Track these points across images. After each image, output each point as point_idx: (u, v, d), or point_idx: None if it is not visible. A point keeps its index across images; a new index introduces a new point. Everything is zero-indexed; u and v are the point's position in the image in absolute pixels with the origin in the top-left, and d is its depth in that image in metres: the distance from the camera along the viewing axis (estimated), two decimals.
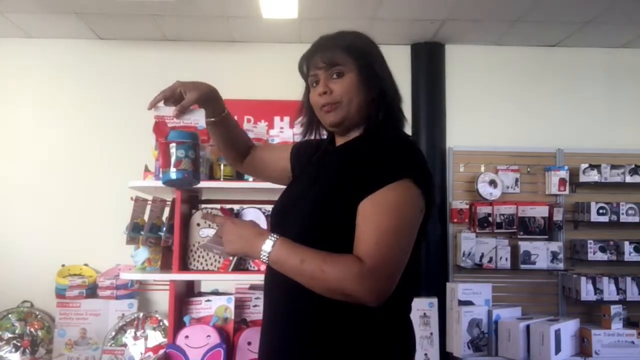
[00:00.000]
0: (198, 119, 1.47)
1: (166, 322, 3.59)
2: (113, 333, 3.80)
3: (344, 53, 1.36)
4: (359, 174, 1.23)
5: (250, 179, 2.31)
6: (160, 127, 1.47)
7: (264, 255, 1.24)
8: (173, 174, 1.46)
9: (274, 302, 1.36)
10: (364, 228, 1.18)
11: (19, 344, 3.84)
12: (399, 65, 4.36)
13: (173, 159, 1.45)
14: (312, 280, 1.19)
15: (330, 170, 1.35)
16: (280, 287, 1.31)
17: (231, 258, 1.39)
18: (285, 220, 1.36)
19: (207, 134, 1.60)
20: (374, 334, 1.25)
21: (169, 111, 1.45)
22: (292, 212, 1.35)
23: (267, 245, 1.23)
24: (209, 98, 1.52)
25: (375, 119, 1.36)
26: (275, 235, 1.25)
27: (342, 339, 1.24)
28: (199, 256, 2.33)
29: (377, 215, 1.18)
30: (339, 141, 1.44)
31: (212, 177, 2.41)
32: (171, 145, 1.45)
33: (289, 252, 1.22)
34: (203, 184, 2.29)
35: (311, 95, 1.41)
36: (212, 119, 1.53)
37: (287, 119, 3.14)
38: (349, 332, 1.24)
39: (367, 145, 1.30)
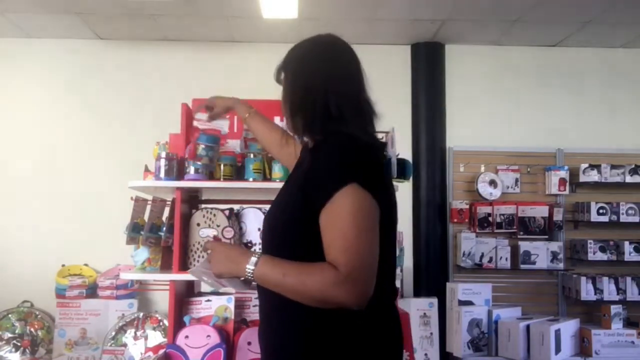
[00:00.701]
0: (223, 125, 2.20)
1: (166, 322, 3.59)
2: (113, 333, 3.80)
3: (282, 67, 1.51)
4: (308, 185, 1.29)
5: (251, 178, 2.31)
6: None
7: (249, 273, 1.30)
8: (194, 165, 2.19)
9: (261, 306, 1.44)
10: (328, 238, 1.24)
11: (19, 344, 3.84)
12: (399, 65, 4.36)
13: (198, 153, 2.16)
14: (295, 293, 1.26)
15: (293, 181, 1.43)
16: (264, 292, 1.37)
17: (221, 286, 1.47)
18: (267, 225, 1.44)
19: (224, 138, 2.29)
20: (358, 332, 1.29)
21: (204, 117, 2.14)
22: (270, 216, 1.45)
23: (251, 262, 1.30)
24: (232, 107, 2.07)
25: (311, 124, 1.39)
26: (258, 253, 1.33)
27: (327, 340, 1.29)
28: (199, 256, 2.33)
29: (335, 224, 1.23)
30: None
31: (212, 177, 2.41)
32: (198, 144, 2.17)
33: (271, 268, 1.29)
34: (203, 184, 2.29)
35: None
36: (244, 116, 2.01)
37: None
38: (334, 333, 1.28)
39: (314, 152, 1.35)
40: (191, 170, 2.23)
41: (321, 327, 1.28)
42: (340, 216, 1.23)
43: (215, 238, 1.56)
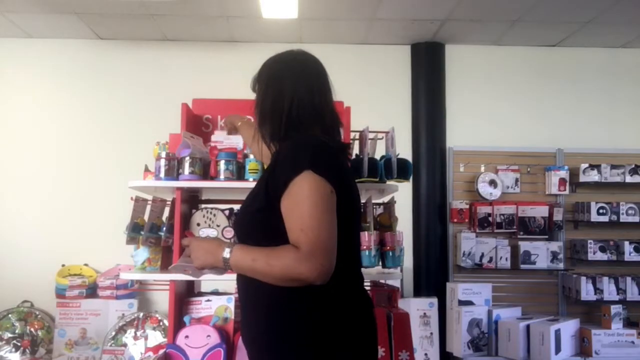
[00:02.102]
0: (238, 142, 2.46)
1: (166, 322, 3.59)
2: (113, 333, 3.80)
3: (256, 78, 1.63)
4: (270, 177, 1.44)
5: (251, 178, 2.31)
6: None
7: (226, 262, 1.44)
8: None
9: (239, 292, 1.56)
10: (289, 221, 1.38)
11: (19, 344, 3.84)
12: (399, 65, 4.36)
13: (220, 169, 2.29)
14: (264, 275, 1.39)
15: (260, 178, 1.61)
16: (240, 279, 1.53)
17: (203, 274, 1.57)
18: (239, 219, 1.62)
19: (240, 153, 2.36)
20: (326, 312, 1.41)
21: (221, 137, 2.49)
22: (242, 209, 1.58)
23: (226, 252, 1.44)
24: (236, 123, 2.25)
25: (277, 126, 1.52)
26: (232, 243, 1.47)
27: (294, 319, 1.41)
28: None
29: (293, 208, 1.37)
30: None
31: (211, 177, 2.41)
32: (218, 161, 2.28)
33: (243, 255, 1.42)
34: (203, 184, 2.29)
35: None
36: (236, 124, 2.22)
37: None
38: (302, 312, 1.40)
39: (275, 154, 1.52)
40: (186, 170, 2.25)
41: (289, 307, 1.40)
42: (297, 200, 1.36)
43: (188, 234, 1.62)
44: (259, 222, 1.46)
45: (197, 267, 1.52)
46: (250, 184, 2.30)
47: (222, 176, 2.29)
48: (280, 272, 1.35)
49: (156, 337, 3.76)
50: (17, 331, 3.88)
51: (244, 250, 1.43)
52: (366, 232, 2.15)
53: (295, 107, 1.50)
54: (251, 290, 1.47)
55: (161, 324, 3.82)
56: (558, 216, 4.14)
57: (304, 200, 1.35)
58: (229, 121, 2.29)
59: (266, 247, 1.40)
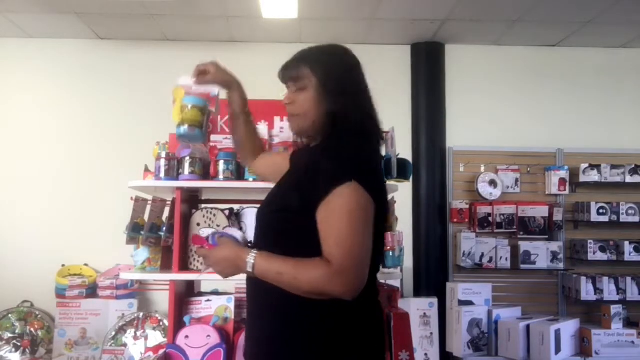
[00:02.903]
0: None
1: (166, 322, 3.59)
2: (113, 333, 3.80)
3: (308, 69, 1.47)
4: (310, 182, 1.35)
5: (251, 179, 2.31)
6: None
7: (250, 274, 1.39)
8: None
9: (250, 297, 1.50)
10: (324, 232, 1.31)
11: (19, 344, 3.84)
12: (399, 65, 4.36)
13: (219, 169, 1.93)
14: (290, 287, 1.33)
15: (292, 175, 1.50)
16: (253, 284, 1.45)
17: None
18: (262, 221, 1.50)
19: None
20: (346, 323, 1.37)
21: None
22: (266, 212, 1.49)
23: (249, 265, 1.37)
24: (233, 85, 1.74)
25: (329, 130, 1.45)
26: (253, 253, 1.37)
27: (307, 325, 1.36)
28: (199, 256, 2.33)
29: (331, 219, 1.30)
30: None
31: (211, 177, 2.41)
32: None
33: (267, 267, 1.36)
34: (203, 184, 2.28)
35: None
36: (235, 111, 1.77)
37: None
38: (321, 322, 1.36)
39: (319, 153, 1.42)
40: (186, 170, 2.23)
41: (301, 313, 1.36)
42: (337, 211, 1.29)
43: (196, 238, 1.56)
44: (288, 225, 1.40)
45: (224, 278, 1.48)
46: (251, 183, 2.31)
47: (221, 176, 2.30)
48: (308, 287, 1.30)
49: (156, 337, 3.76)
50: (17, 331, 3.88)
51: (269, 261, 1.36)
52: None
53: (355, 103, 1.45)
54: (261, 293, 1.42)
55: (161, 324, 3.82)
56: (558, 216, 4.13)
57: (344, 213, 1.29)
58: (222, 80, 1.74)
59: (292, 259, 1.33)
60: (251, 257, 1.37)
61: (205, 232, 2.32)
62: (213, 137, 2.55)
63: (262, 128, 2.51)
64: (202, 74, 1.71)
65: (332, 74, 1.47)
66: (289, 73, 1.50)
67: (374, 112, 1.51)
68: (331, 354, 1.35)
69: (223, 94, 1.81)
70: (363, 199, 1.31)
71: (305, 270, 1.30)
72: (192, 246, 2.33)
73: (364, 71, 1.53)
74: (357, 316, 1.38)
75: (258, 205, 2.42)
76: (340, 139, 1.41)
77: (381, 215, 1.40)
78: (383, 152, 2.17)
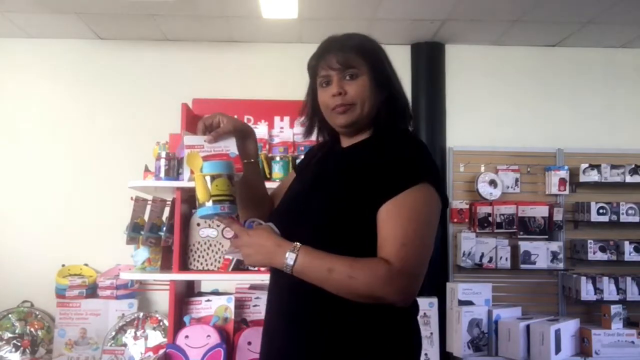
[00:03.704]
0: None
1: (166, 322, 3.59)
2: (113, 333, 3.80)
3: (357, 55, 1.37)
4: (376, 176, 1.25)
5: None
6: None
7: (288, 268, 1.23)
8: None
9: (280, 301, 1.35)
10: (389, 230, 1.21)
11: (19, 344, 3.84)
12: (399, 65, 4.33)
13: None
14: (340, 287, 1.21)
15: (341, 171, 1.35)
16: (287, 286, 1.30)
17: (231, 258, 1.43)
18: (294, 221, 1.33)
19: (239, 161, 1.47)
20: (383, 330, 1.26)
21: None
22: (300, 211, 1.35)
23: (290, 258, 1.23)
24: (245, 134, 1.47)
25: (384, 120, 1.38)
26: (296, 246, 1.24)
27: (352, 337, 1.24)
28: (199, 256, 2.33)
29: (401, 218, 1.21)
30: (346, 142, 1.44)
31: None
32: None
33: (314, 263, 1.22)
34: None
35: (321, 96, 1.40)
36: (245, 161, 1.47)
37: (287, 118, 3.14)
38: (359, 329, 1.25)
39: (382, 146, 1.32)
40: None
41: (347, 323, 1.24)
42: (406, 211, 1.21)
43: (232, 220, 1.33)
44: (342, 219, 1.26)
45: (248, 264, 1.34)
46: None
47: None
48: (364, 288, 1.18)
49: (156, 337, 3.76)
50: (17, 331, 3.88)
51: (316, 257, 1.22)
52: None
53: (396, 87, 1.40)
54: (313, 297, 1.25)
55: (161, 324, 3.82)
56: (558, 216, 4.13)
57: (415, 213, 1.21)
58: (235, 127, 1.42)
59: (343, 256, 1.21)
60: (294, 249, 1.23)
61: (205, 232, 2.32)
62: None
63: (262, 128, 2.51)
64: (216, 130, 1.40)
65: (380, 61, 1.40)
66: (337, 60, 1.35)
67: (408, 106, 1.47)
68: None
69: None
70: (434, 203, 1.25)
71: (361, 269, 1.19)
72: (192, 246, 2.33)
73: None
74: (405, 325, 1.30)
75: None
76: (403, 130, 1.37)
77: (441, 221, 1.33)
78: None
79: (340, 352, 1.24)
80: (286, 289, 1.32)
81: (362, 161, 1.31)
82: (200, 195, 1.34)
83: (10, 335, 3.86)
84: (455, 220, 4.15)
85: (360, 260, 1.20)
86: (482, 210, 4.12)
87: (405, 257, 1.18)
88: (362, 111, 1.36)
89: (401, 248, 1.18)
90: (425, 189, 1.23)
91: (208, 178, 1.33)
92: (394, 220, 1.21)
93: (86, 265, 4.08)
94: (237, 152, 1.42)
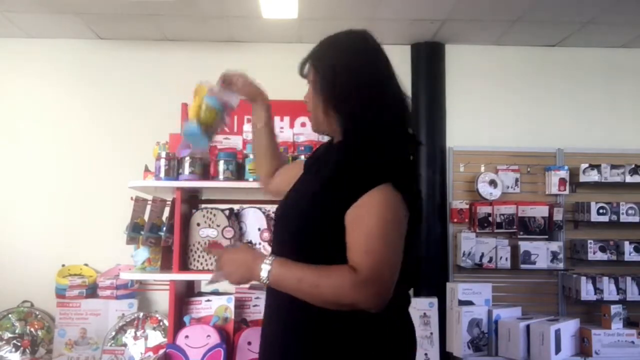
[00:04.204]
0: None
1: (166, 322, 3.59)
2: (113, 333, 3.80)
3: (310, 64, 1.42)
4: (337, 182, 1.25)
5: (251, 178, 2.31)
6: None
7: (264, 280, 1.27)
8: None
9: (271, 302, 1.40)
10: (353, 238, 1.21)
11: (19, 344, 3.84)
12: (399, 65, 4.33)
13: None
14: (310, 297, 1.23)
15: (315, 176, 1.40)
16: (274, 292, 1.33)
17: (215, 283, 1.49)
18: (281, 227, 1.41)
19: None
20: (372, 331, 1.27)
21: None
22: (285, 217, 1.40)
23: (264, 270, 1.26)
24: (258, 98, 1.68)
25: (344, 125, 1.34)
26: (269, 258, 1.27)
27: (340, 339, 1.26)
28: (199, 256, 2.33)
29: (362, 224, 1.20)
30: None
31: (211, 177, 2.41)
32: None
33: (285, 274, 1.25)
34: (203, 184, 2.29)
35: None
36: (257, 125, 1.69)
37: (287, 118, 3.14)
38: (347, 331, 1.26)
39: (343, 151, 1.32)
40: (186, 170, 2.22)
41: (332, 329, 1.26)
42: (368, 216, 1.20)
43: (212, 243, 1.55)
44: (312, 232, 1.29)
45: (232, 283, 1.39)
46: (251, 183, 2.31)
47: (221, 176, 2.30)
48: (331, 296, 1.20)
49: (156, 337, 3.76)
50: (17, 331, 3.87)
51: (287, 267, 1.25)
52: None
53: (375, 93, 1.33)
54: (298, 310, 1.28)
55: (161, 324, 3.81)
56: (558, 216, 4.13)
57: (375, 218, 1.19)
58: (248, 92, 1.69)
59: (313, 265, 1.23)
60: (267, 262, 1.26)
61: (205, 232, 2.32)
62: None
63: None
64: (229, 84, 1.66)
65: (330, 67, 1.36)
66: (300, 71, 1.44)
67: (395, 106, 1.39)
68: None
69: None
70: (397, 205, 1.22)
71: (329, 278, 1.20)
72: (192, 246, 2.33)
73: (381, 58, 1.41)
74: (382, 330, 1.28)
75: (258, 206, 2.44)
76: (366, 136, 1.30)
77: (415, 221, 1.30)
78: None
79: (309, 355, 1.28)
80: (273, 294, 1.36)
81: (328, 167, 1.33)
82: (191, 113, 1.66)
83: (10, 335, 3.86)
84: (455, 220, 4.15)
85: (328, 269, 1.21)
86: (482, 210, 4.12)
87: (370, 264, 1.18)
88: (315, 117, 1.41)
89: (365, 255, 1.18)
90: (384, 190, 1.21)
91: (204, 105, 1.63)
92: (357, 226, 1.21)
93: (86, 265, 4.07)
94: (234, 107, 1.70)
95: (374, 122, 1.32)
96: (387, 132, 1.32)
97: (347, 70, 1.35)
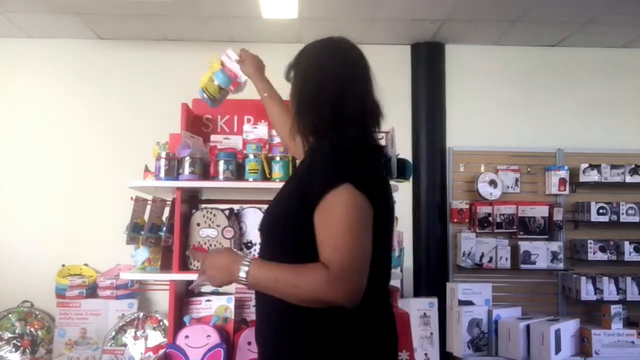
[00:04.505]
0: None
1: (166, 322, 3.59)
2: (113, 333, 3.80)
3: (292, 69, 1.51)
4: (305, 184, 1.32)
5: (251, 178, 2.31)
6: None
7: (243, 282, 1.33)
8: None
9: (257, 306, 1.47)
10: (322, 236, 1.27)
11: (19, 344, 3.84)
12: (399, 65, 4.36)
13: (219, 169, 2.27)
14: (287, 296, 1.29)
15: (293, 179, 1.47)
16: (258, 293, 1.41)
17: (200, 286, 1.54)
18: (266, 229, 1.47)
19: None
20: (350, 331, 1.32)
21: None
22: (268, 219, 1.48)
23: (242, 271, 1.32)
24: (254, 77, 2.13)
25: (312, 127, 1.42)
26: (247, 260, 1.33)
27: (319, 339, 1.31)
28: (194, 259, 2.32)
29: (328, 223, 1.26)
30: None
31: (211, 177, 2.41)
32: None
33: (263, 274, 1.31)
34: (203, 184, 2.28)
35: None
36: (262, 95, 2.06)
37: None
38: (326, 331, 1.31)
39: (309, 155, 1.39)
40: (186, 170, 2.23)
41: (314, 326, 1.31)
42: (333, 216, 1.25)
43: (196, 247, 1.62)
44: (288, 226, 1.35)
45: (214, 286, 1.44)
46: (251, 183, 2.31)
47: (221, 176, 2.29)
48: (307, 294, 1.25)
49: (156, 337, 3.76)
50: (17, 331, 3.88)
51: (264, 269, 1.32)
52: None
53: (339, 98, 1.39)
54: (265, 300, 1.37)
55: (161, 324, 3.82)
56: (558, 216, 4.14)
57: (340, 216, 1.24)
58: (252, 66, 2.14)
59: (288, 265, 1.29)
60: (245, 264, 1.32)
61: (205, 232, 2.31)
62: (213, 137, 2.56)
63: (262, 128, 2.51)
64: (242, 61, 2.15)
65: (297, 71, 1.48)
66: (286, 75, 1.54)
67: (371, 97, 1.45)
68: None
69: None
70: (359, 202, 1.26)
71: (303, 276, 1.25)
72: (192, 246, 2.33)
73: (360, 58, 1.48)
74: (359, 325, 1.32)
75: (258, 205, 2.44)
76: (336, 136, 1.37)
77: (383, 216, 1.36)
78: (389, 150, 2.16)
79: (294, 352, 1.32)
80: (260, 298, 1.42)
81: (303, 167, 1.40)
82: (201, 82, 2.33)
83: (10, 335, 3.86)
84: (455, 220, 4.15)
85: (303, 268, 1.27)
86: (482, 210, 4.12)
87: (340, 260, 1.22)
88: (294, 116, 1.48)
89: (334, 252, 1.23)
90: (345, 190, 1.25)
91: (212, 80, 2.28)
92: (324, 225, 1.26)
93: (86, 265, 4.08)
94: (242, 81, 2.24)
95: (338, 129, 1.38)
96: (351, 138, 1.37)
97: (313, 75, 1.44)
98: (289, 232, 1.35)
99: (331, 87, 1.40)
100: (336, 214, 1.25)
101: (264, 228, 1.46)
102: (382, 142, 1.90)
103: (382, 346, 1.38)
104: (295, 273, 1.27)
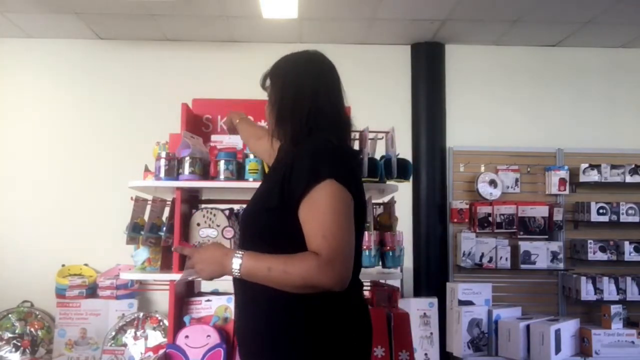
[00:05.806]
0: (238, 142, 2.43)
1: (166, 322, 3.59)
2: (113, 333, 3.80)
3: (268, 79, 1.63)
4: (288, 180, 1.40)
5: (251, 178, 2.31)
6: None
7: (236, 273, 1.40)
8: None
9: (241, 297, 1.53)
10: (309, 228, 1.36)
11: (19, 344, 3.84)
12: (399, 65, 4.36)
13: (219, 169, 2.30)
14: (280, 283, 1.36)
15: (276, 172, 1.53)
16: (239, 283, 1.49)
17: (187, 279, 1.55)
18: (245, 224, 1.56)
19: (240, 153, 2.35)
20: (326, 314, 1.41)
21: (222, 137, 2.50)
22: (249, 215, 1.55)
23: (235, 263, 1.39)
24: (234, 120, 2.31)
25: (291, 129, 1.51)
26: (240, 252, 1.41)
27: (297, 325, 1.40)
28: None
29: (315, 215, 1.35)
30: None
31: (211, 177, 2.41)
32: (218, 161, 2.29)
33: (255, 265, 1.38)
34: (203, 184, 2.29)
35: None
36: (236, 121, 2.26)
37: None
38: (304, 318, 1.40)
39: (291, 156, 1.46)
40: (186, 170, 2.24)
41: (291, 313, 1.39)
42: (319, 208, 1.35)
43: (181, 242, 1.65)
44: (269, 222, 1.44)
45: (204, 279, 1.48)
46: (251, 183, 2.31)
47: (222, 176, 2.29)
48: (300, 280, 1.33)
49: (156, 337, 3.76)
50: (17, 331, 3.88)
51: (257, 259, 1.39)
52: (366, 232, 2.14)
53: (315, 107, 1.49)
54: (249, 291, 1.45)
55: (161, 324, 3.82)
56: (558, 216, 4.14)
57: (326, 208, 1.34)
58: (229, 119, 2.33)
59: (280, 255, 1.37)
60: (238, 256, 1.39)
61: (205, 232, 2.32)
62: (213, 137, 2.56)
63: (262, 127, 2.51)
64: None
65: (273, 80, 1.59)
66: (261, 84, 1.66)
67: (342, 109, 1.58)
68: (314, 352, 1.39)
69: None
70: (342, 195, 1.37)
71: (295, 264, 1.33)
72: (192, 246, 2.33)
73: (333, 72, 1.59)
74: (344, 309, 1.43)
75: None
76: (310, 143, 1.46)
77: (358, 212, 1.44)
78: (389, 150, 2.19)
79: (278, 339, 1.40)
80: (242, 289, 1.50)
81: (282, 166, 1.47)
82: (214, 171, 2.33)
83: (10, 335, 3.86)
84: (455, 220, 4.15)
85: (294, 257, 1.35)
86: (482, 210, 4.12)
87: (329, 247, 1.31)
88: (271, 125, 1.59)
89: (323, 240, 1.32)
90: (329, 185, 1.36)
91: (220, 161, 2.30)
92: (311, 217, 1.36)
93: (86, 265, 4.08)
94: (241, 147, 2.39)
95: (314, 136, 1.49)
96: (328, 142, 1.47)
97: (292, 86, 1.54)
98: (267, 229, 1.44)
99: (308, 98, 1.50)
100: (322, 206, 1.34)
101: (244, 225, 1.55)
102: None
103: (355, 332, 1.46)
104: (287, 261, 1.34)
